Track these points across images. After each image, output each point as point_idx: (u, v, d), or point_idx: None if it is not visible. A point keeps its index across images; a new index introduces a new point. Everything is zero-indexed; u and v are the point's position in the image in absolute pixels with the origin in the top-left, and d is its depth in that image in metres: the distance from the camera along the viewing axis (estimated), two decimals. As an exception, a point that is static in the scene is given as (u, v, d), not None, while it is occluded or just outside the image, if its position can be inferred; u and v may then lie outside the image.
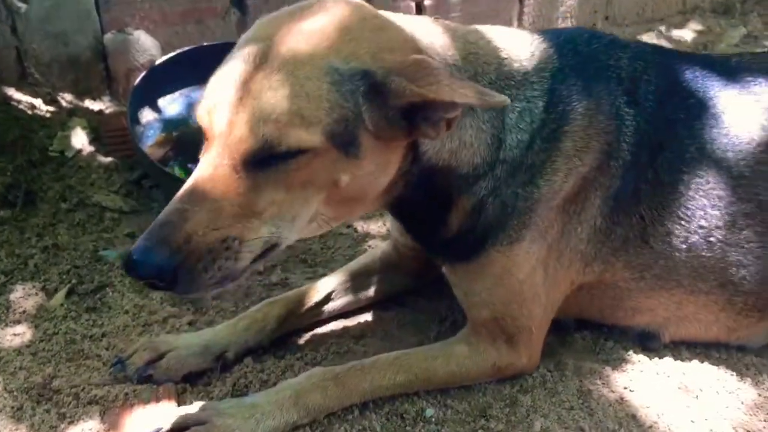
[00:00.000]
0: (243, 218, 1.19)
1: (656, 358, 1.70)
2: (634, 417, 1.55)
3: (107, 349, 1.64)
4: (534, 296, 1.53)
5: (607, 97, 1.50)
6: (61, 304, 1.76)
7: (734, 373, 1.67)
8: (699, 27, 3.65)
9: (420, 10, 2.99)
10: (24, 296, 1.79)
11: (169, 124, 2.33)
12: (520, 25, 3.25)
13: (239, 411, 1.40)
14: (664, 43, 3.51)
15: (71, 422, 1.44)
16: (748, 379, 1.66)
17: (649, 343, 1.72)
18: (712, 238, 1.57)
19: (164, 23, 2.52)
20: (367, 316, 1.79)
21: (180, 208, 1.17)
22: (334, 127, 1.18)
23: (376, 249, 1.86)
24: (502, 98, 1.21)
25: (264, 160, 1.17)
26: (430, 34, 1.37)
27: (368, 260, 1.80)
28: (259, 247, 1.23)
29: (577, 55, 1.51)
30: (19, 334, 1.68)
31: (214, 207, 1.17)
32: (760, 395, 1.62)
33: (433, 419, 1.51)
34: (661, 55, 1.65)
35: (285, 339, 1.69)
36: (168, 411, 1.45)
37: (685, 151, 1.55)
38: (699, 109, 1.56)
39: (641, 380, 1.64)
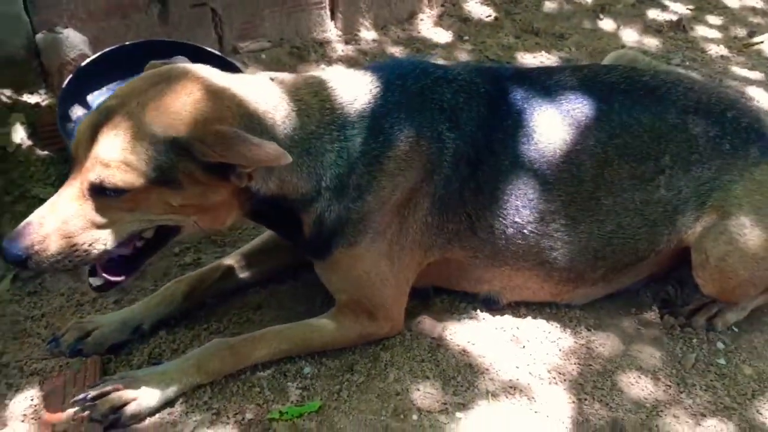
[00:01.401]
0: (91, 228, 1.59)
1: (498, 316, 2.10)
2: (470, 366, 1.95)
3: (46, 327, 2.00)
4: (382, 281, 1.90)
5: (428, 125, 1.84)
6: (7, 290, 2.10)
7: (558, 325, 2.08)
8: (599, -13, 3.93)
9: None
10: (-27, 283, 2.14)
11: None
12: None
13: (151, 378, 1.78)
14: (565, 5, 3.80)
15: (17, 390, 1.82)
16: (569, 330, 2.07)
17: (492, 305, 2.11)
18: (525, 231, 1.94)
19: (90, 20, 2.78)
20: (264, 290, 2.16)
21: (41, 214, 1.58)
22: (152, 173, 1.56)
23: (268, 231, 2.21)
24: (283, 159, 1.57)
25: (100, 191, 1.56)
26: (262, 96, 1.71)
27: (260, 242, 2.16)
28: (108, 246, 1.62)
29: (404, 92, 1.85)
30: (-30, 317, 2.04)
31: (67, 219, 1.57)
32: (576, 343, 2.03)
33: (309, 375, 1.91)
34: (488, 82, 1.96)
35: (194, 312, 2.06)
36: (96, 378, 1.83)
37: (500, 164, 1.91)
38: (514, 129, 1.91)
39: (482, 335, 2.04)
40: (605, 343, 2.03)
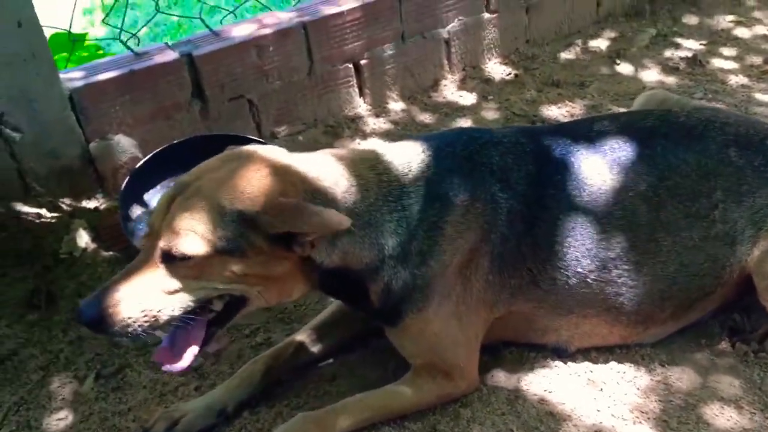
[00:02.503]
0: (161, 295, 1.68)
1: (570, 362, 2.13)
2: (551, 414, 1.97)
3: (134, 421, 2.06)
4: (454, 342, 1.95)
5: (481, 188, 1.92)
6: (92, 388, 2.17)
7: (632, 365, 2.10)
8: (612, 34, 4.05)
9: (357, 70, 3.40)
10: (60, 385, 2.20)
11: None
12: (450, 64, 3.66)
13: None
14: (581, 54, 3.92)
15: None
16: (643, 368, 2.09)
17: (562, 354, 2.14)
18: (588, 279, 1.99)
19: (137, 125, 2.91)
20: (336, 361, 2.21)
21: (117, 280, 1.68)
22: (217, 242, 1.66)
23: (335, 303, 2.27)
24: (343, 223, 1.68)
25: (171, 258, 1.66)
26: (324, 172, 1.81)
27: (329, 314, 2.22)
28: (175, 313, 1.70)
29: (454, 159, 1.94)
30: (62, 419, 2.09)
31: (140, 286, 1.67)
32: (652, 380, 2.05)
33: (395, 440, 1.94)
34: (532, 141, 2.05)
35: (272, 390, 2.11)
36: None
37: (555, 218, 1.97)
38: (564, 182, 1.98)
39: (558, 382, 2.06)
40: (682, 377, 2.05)
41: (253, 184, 1.70)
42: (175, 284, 1.68)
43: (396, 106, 3.55)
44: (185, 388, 2.16)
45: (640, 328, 2.08)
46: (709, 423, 1.92)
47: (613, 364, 2.11)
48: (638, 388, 2.03)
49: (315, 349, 2.19)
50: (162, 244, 1.66)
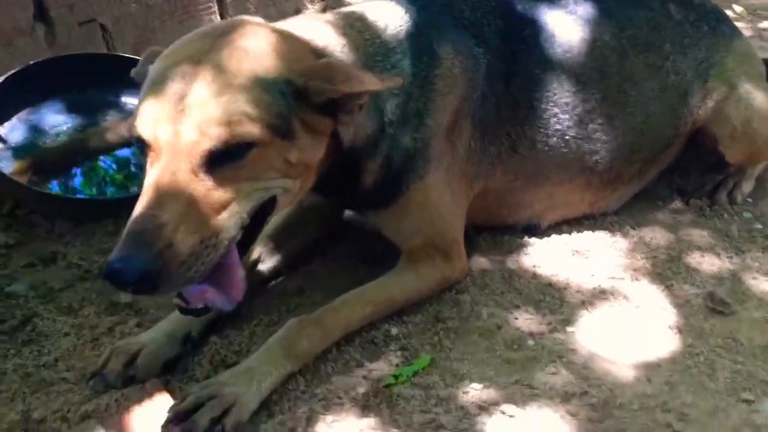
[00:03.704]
0: (214, 214, 1.31)
1: (546, 238, 2.03)
2: (550, 284, 1.86)
3: (68, 370, 1.62)
4: (450, 212, 1.78)
5: (460, 42, 1.75)
6: (-8, 347, 1.69)
7: (606, 232, 2.05)
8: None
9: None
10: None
11: (19, 151, 2.24)
12: (311, -8, 3.44)
13: (239, 378, 1.49)
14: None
15: (73, 442, 1.44)
16: (617, 233, 2.05)
17: (534, 231, 2.04)
18: (567, 137, 1.90)
19: (-27, 52, 2.38)
20: (297, 274, 1.91)
21: (152, 214, 1.26)
22: (274, 120, 1.35)
23: (282, 213, 1.97)
24: (398, 80, 1.49)
25: (221, 159, 1.31)
26: (323, 34, 1.56)
27: (280, 222, 1.92)
28: (234, 233, 1.36)
29: (428, 13, 1.74)
30: (-37, 388, 1.60)
31: (187, 210, 1.28)
32: (630, 242, 2.01)
33: (399, 335, 1.70)
34: (490, 5, 1.89)
35: (237, 312, 1.77)
36: (168, 401, 1.50)
37: (531, 74, 1.86)
38: (535, 38, 1.87)
39: (542, 256, 1.95)
40: (655, 236, 2.03)
41: (281, 49, 1.41)
42: (228, 194, 1.32)
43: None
44: (123, 327, 1.74)
45: (609, 189, 2.04)
46: (698, 269, 1.91)
47: (587, 233, 2.05)
48: (621, 251, 1.98)
49: (273, 261, 1.89)
50: (207, 144, 1.29)
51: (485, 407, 1.51)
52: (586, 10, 1.96)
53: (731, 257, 1.96)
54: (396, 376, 1.58)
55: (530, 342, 1.68)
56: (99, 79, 2.38)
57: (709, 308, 1.77)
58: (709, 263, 1.93)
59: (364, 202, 1.72)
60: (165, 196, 1.28)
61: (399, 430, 1.46)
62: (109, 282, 1.27)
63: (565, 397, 1.52)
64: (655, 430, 1.46)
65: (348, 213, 2.04)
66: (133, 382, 1.55)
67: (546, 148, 1.88)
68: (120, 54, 2.47)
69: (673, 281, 1.86)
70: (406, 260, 1.77)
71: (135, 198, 2.09)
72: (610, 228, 2.06)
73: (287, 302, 1.82)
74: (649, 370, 1.60)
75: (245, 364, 1.54)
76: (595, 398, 1.52)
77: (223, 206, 1.32)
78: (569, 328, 1.72)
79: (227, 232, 1.33)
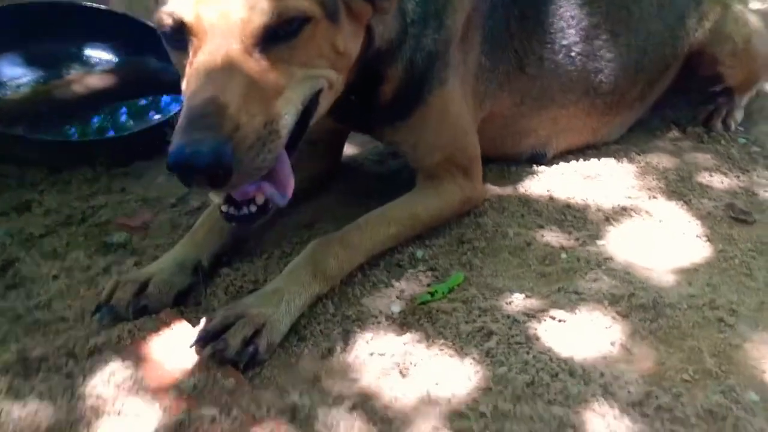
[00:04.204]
0: (272, 98, 1.19)
1: (554, 166, 1.96)
2: (568, 206, 1.79)
3: (65, 309, 1.45)
4: (468, 127, 1.69)
5: None
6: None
7: (613, 158, 2.01)
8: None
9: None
10: None
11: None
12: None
13: (266, 300, 1.36)
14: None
15: (87, 376, 1.27)
16: (624, 159, 2.00)
17: (539, 159, 1.98)
18: (572, 53, 1.85)
19: None
20: (305, 207, 1.79)
21: (212, 96, 1.12)
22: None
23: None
24: None
25: (274, 37, 1.19)
26: None
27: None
28: (291, 123, 1.22)
29: None
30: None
31: (247, 91, 1.15)
32: (639, 166, 1.97)
33: (425, 257, 1.60)
34: None
35: (241, 246, 1.64)
36: (188, 329, 1.35)
37: None
38: None
39: (554, 182, 1.89)
40: (662, 160, 2.00)
41: None
42: (282, 78, 1.20)
43: None
44: (119, 267, 1.58)
45: (611, 114, 2.01)
46: (711, 186, 1.88)
47: (593, 161, 2.00)
48: (631, 174, 1.94)
49: (278, 196, 1.75)
50: (262, 19, 1.16)
51: (532, 314, 1.42)
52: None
53: (738, 176, 1.94)
54: (432, 293, 1.48)
55: (563, 255, 1.60)
56: (59, 30, 2.21)
57: (731, 218, 1.74)
58: (719, 181, 1.91)
59: (381, 118, 1.61)
60: (221, 77, 1.14)
61: (446, 341, 1.36)
62: (177, 172, 1.11)
63: (612, 300, 1.45)
64: (707, 325, 1.40)
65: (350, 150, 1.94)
66: (145, 312, 1.40)
67: (553, 66, 1.83)
68: (81, 2, 2.29)
69: (690, 197, 1.82)
70: (426, 179, 1.67)
71: (110, 142, 1.96)
72: (616, 155, 2.02)
73: (298, 234, 1.69)
74: (689, 274, 1.55)
75: (271, 285, 1.41)
76: (643, 299, 1.45)
77: (279, 91, 1.19)
78: (599, 242, 1.65)
79: (285, 120, 1.20)
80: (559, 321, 1.40)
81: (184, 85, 1.22)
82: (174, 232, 1.71)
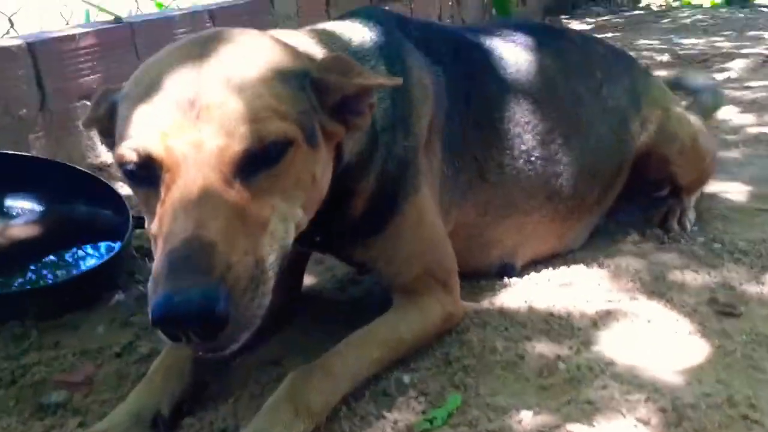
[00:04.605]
0: (259, 234, 1.08)
1: (525, 276, 1.87)
2: (550, 314, 1.68)
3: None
4: (444, 236, 1.61)
5: (418, 58, 1.65)
6: None
7: (582, 265, 1.93)
8: None
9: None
10: None
11: None
12: None
13: (246, 448, 1.16)
14: None
15: None
16: (594, 265, 1.93)
17: (509, 273, 1.89)
18: (532, 158, 1.83)
19: None
20: (265, 342, 1.61)
21: (195, 235, 1.00)
22: (301, 118, 1.17)
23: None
24: (398, 80, 1.35)
25: (254, 165, 1.09)
26: (301, 41, 1.41)
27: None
28: (277, 264, 1.12)
29: (385, 31, 1.61)
30: None
31: (234, 225, 1.04)
32: (609, 272, 1.89)
33: (413, 382, 1.44)
34: (432, 25, 1.88)
35: (199, 392, 1.43)
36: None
37: (488, 93, 1.79)
38: (485, 59, 1.82)
39: (532, 293, 1.78)
40: (630, 262, 1.93)
41: (280, 46, 1.26)
42: (265, 210, 1.10)
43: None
44: (62, 431, 1.34)
45: (574, 218, 1.96)
46: (686, 283, 1.82)
47: (563, 269, 1.92)
48: (604, 278, 1.86)
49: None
50: (239, 145, 1.07)
51: (548, 431, 1.27)
52: (523, 39, 1.95)
53: (709, 272, 1.89)
54: (430, 420, 1.31)
55: (561, 365, 1.47)
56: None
57: (718, 312, 1.68)
58: (692, 278, 1.85)
59: (351, 235, 1.49)
60: (202, 212, 1.02)
61: (460, 472, 1.18)
62: (163, 326, 0.98)
63: (629, 407, 1.32)
64: (733, 423, 1.29)
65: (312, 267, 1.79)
66: (100, 480, 1.17)
67: (514, 172, 1.79)
68: (1, 151, 2.13)
69: (670, 295, 1.75)
70: (403, 296, 1.54)
71: (39, 291, 1.76)
72: (584, 261, 1.95)
73: (266, 372, 1.50)
74: (695, 372, 1.44)
75: (249, 429, 1.21)
76: (660, 402, 1.33)
77: (263, 226, 1.09)
78: (594, 348, 1.54)
79: (272, 258, 1.09)
80: (579, 435, 1.26)
81: (154, 226, 1.09)
82: (122, 385, 1.49)
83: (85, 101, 2.78)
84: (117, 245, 1.92)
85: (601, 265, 1.93)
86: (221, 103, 1.08)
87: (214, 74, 1.12)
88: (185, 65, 1.14)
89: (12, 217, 2.08)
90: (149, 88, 1.13)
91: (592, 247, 2.06)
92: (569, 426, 1.27)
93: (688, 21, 6.49)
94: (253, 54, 1.19)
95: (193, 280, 0.96)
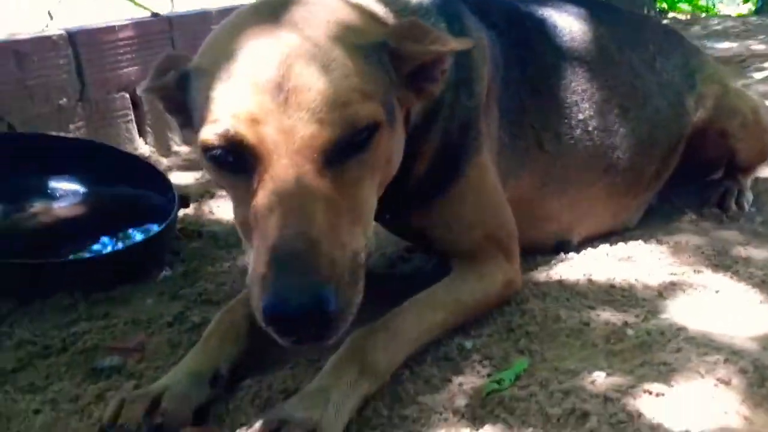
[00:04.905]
0: (353, 226, 1.07)
1: (581, 252, 1.81)
2: (611, 286, 1.62)
3: (58, 441, 1.16)
4: (505, 203, 1.56)
5: (474, 21, 1.59)
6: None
7: (640, 242, 1.86)
8: None
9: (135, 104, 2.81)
10: None
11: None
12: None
13: (310, 403, 1.12)
14: None
15: None
16: (653, 242, 1.86)
17: (564, 250, 1.83)
18: (590, 128, 1.77)
19: None
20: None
21: (299, 232, 0.99)
22: (384, 97, 1.14)
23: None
24: (469, 42, 1.33)
25: (344, 151, 1.07)
26: (366, 2, 1.34)
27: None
28: (365, 252, 1.10)
29: None
30: None
31: (332, 220, 1.03)
32: (669, 248, 1.83)
33: (475, 347, 1.39)
34: None
35: (263, 356, 1.39)
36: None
37: (544, 61, 1.74)
38: (539, 27, 1.78)
39: (592, 267, 1.71)
40: (690, 239, 1.87)
41: (355, 13, 1.24)
42: (356, 198, 1.09)
43: (183, 149, 2.99)
44: (115, 393, 1.30)
45: (630, 195, 1.91)
46: (751, 257, 1.76)
47: (621, 245, 1.85)
48: (665, 253, 1.79)
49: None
50: (331, 133, 1.03)
51: (624, 390, 1.20)
52: (575, 9, 1.90)
53: (770, 244, 1.83)
54: (498, 381, 1.25)
55: (629, 332, 1.41)
56: (21, 163, 2.02)
57: (789, 284, 1.61)
58: (756, 253, 1.79)
59: (410, 201, 1.44)
60: (301, 207, 1.01)
61: (536, 428, 1.13)
62: (277, 328, 1.00)
63: (708, 368, 1.25)
64: (819, 387, 1.21)
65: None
66: (159, 432, 1.12)
67: (571, 141, 1.73)
68: (45, 133, 2.12)
69: (736, 268, 1.69)
70: (464, 262, 1.48)
71: (89, 263, 1.73)
72: (642, 238, 1.88)
73: (321, 342, 1.45)
74: (771, 339, 1.38)
75: (313, 386, 1.17)
76: (740, 364, 1.25)
77: (356, 217, 1.08)
78: (662, 316, 1.48)
79: (364, 245, 1.09)
80: (657, 395, 1.19)
81: (249, 216, 1.06)
82: (175, 353, 1.45)
83: (123, 93, 2.77)
84: (161, 225, 1.89)
85: (660, 242, 1.86)
86: (309, 86, 1.04)
87: (296, 51, 1.07)
88: (262, 38, 1.11)
89: (56, 198, 2.06)
90: (228, 65, 1.09)
91: (648, 225, 2.00)
92: (646, 385, 1.20)
93: (719, 27, 6.41)
94: (329, 22, 1.15)
95: (304, 281, 0.96)
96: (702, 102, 2.00)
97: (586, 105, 1.76)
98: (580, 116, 1.74)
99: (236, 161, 1.06)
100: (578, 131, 1.74)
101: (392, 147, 1.19)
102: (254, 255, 1.03)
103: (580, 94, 1.75)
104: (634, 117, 1.85)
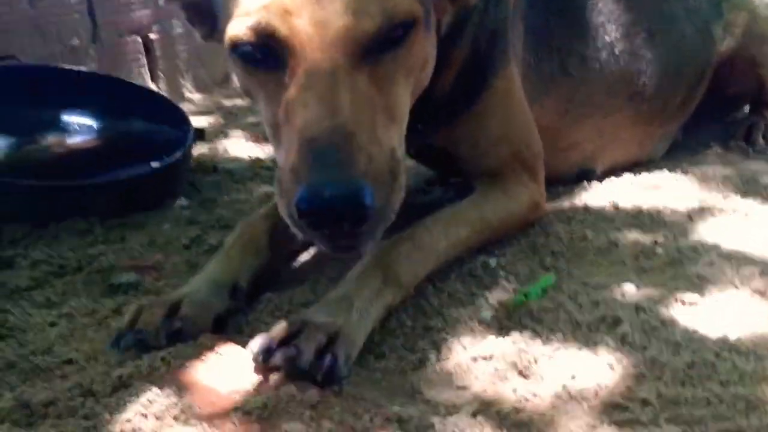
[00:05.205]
0: (390, 122, 1.02)
1: (606, 181, 1.77)
2: (639, 211, 1.58)
3: (73, 351, 1.13)
4: (531, 121, 1.52)
5: None
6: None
7: (667, 171, 1.82)
8: None
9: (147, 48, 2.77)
10: None
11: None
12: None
13: (334, 308, 1.08)
14: None
15: (114, 413, 0.94)
16: (678, 171, 1.83)
17: (588, 178, 1.78)
18: (616, 51, 1.72)
19: None
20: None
21: (335, 125, 0.94)
22: None
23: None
24: None
25: (380, 45, 1.01)
26: None
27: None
28: (404, 147, 1.07)
29: None
30: None
31: (369, 114, 0.98)
32: (695, 175, 1.79)
33: (500, 265, 1.35)
34: None
35: (282, 270, 1.36)
36: (238, 351, 1.06)
37: None
38: None
39: (615, 194, 1.68)
40: (717, 169, 1.83)
41: None
42: (391, 95, 1.03)
43: (195, 96, 2.94)
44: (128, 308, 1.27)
45: (655, 124, 1.85)
46: (781, 185, 1.71)
47: (645, 174, 1.81)
48: (693, 182, 1.76)
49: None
50: (367, 25, 0.98)
51: (656, 300, 1.17)
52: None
53: (801, 176, 1.78)
54: (525, 294, 1.22)
55: (659, 251, 1.37)
56: (33, 96, 1.99)
57: (822, 208, 1.56)
58: (785, 180, 1.74)
59: (437, 114, 1.39)
60: (336, 100, 0.95)
61: (566, 335, 1.09)
62: (310, 219, 0.92)
63: (743, 279, 1.22)
64: None
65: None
66: (179, 338, 1.09)
67: (597, 65, 1.68)
68: (59, 65, 2.09)
69: (766, 194, 1.64)
70: (489, 180, 1.44)
71: (105, 186, 1.70)
72: (667, 168, 1.84)
73: (341, 260, 1.42)
74: (806, 256, 1.34)
75: (337, 292, 1.13)
76: (778, 275, 1.22)
77: (392, 113, 1.03)
78: (692, 236, 1.44)
79: (402, 148, 1.04)
80: (690, 304, 1.16)
81: (280, 114, 1.01)
82: (192, 272, 1.40)
83: (135, 36, 2.73)
84: (178, 154, 1.85)
85: (686, 172, 1.82)
86: None
87: None
88: None
89: (70, 132, 2.02)
90: None
91: (674, 157, 1.95)
92: (678, 295, 1.17)
93: None
94: None
95: (340, 174, 0.90)
96: (730, 30, 1.93)
97: (612, 27, 1.70)
98: (606, 38, 1.69)
99: (267, 57, 1.02)
100: (604, 54, 1.69)
101: (427, 50, 1.13)
102: (284, 150, 0.99)
103: (607, 16, 1.70)
104: (660, 43, 1.79)
